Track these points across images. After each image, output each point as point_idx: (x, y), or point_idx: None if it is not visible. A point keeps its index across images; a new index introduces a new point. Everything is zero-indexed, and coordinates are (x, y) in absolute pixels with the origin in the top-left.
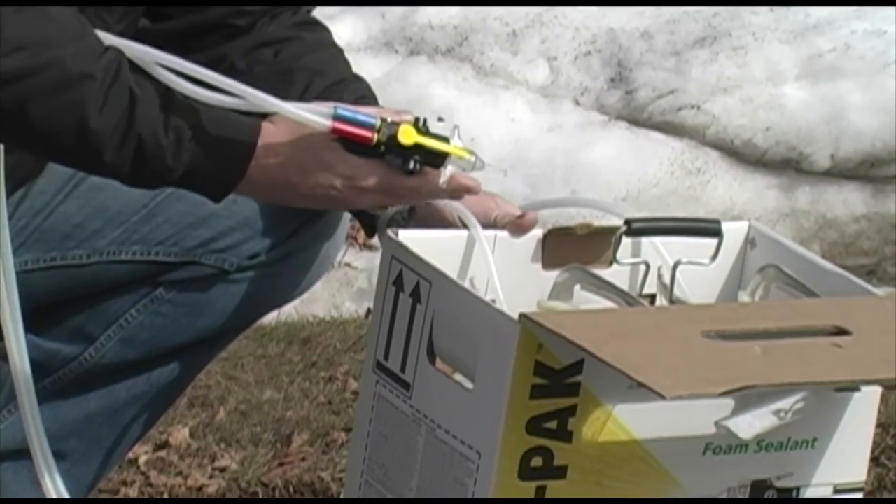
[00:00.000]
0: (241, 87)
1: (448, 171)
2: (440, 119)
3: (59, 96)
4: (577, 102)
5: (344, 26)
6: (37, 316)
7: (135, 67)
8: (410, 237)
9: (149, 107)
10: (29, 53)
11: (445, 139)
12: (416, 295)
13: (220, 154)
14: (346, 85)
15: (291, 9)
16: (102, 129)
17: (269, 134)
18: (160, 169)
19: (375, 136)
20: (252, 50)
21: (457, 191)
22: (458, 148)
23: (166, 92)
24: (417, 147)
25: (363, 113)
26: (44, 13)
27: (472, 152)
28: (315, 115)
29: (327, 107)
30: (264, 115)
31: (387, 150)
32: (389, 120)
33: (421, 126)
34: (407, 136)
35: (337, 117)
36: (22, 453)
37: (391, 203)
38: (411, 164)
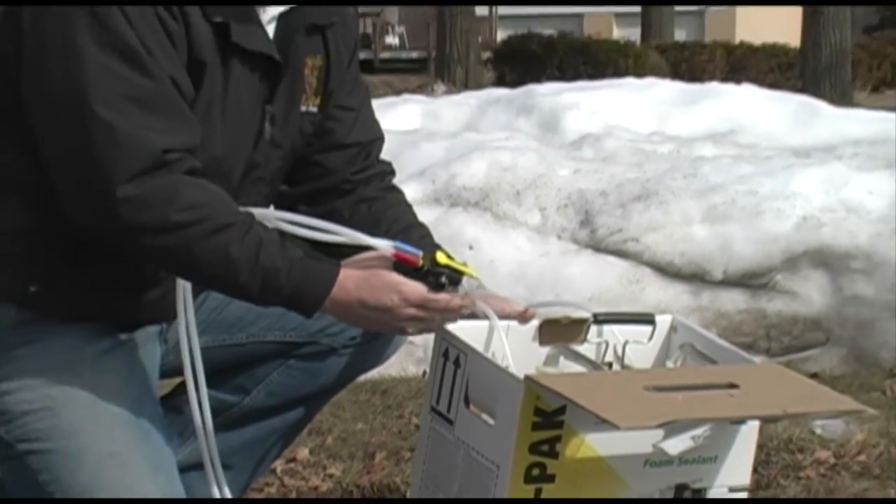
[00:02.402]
0: (335, 226)
1: (464, 286)
2: (470, 247)
3: (212, 239)
4: (559, 237)
5: (410, 189)
6: (213, 376)
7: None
8: (453, 325)
9: (271, 245)
10: (195, 210)
11: (464, 264)
12: (457, 362)
13: (316, 276)
14: (413, 228)
15: (380, 178)
16: (240, 258)
17: (346, 267)
18: (276, 286)
19: (421, 261)
20: (354, 205)
21: (461, 308)
22: (471, 270)
23: (281, 237)
24: (446, 266)
25: (412, 246)
26: (205, 187)
27: (477, 275)
28: (384, 243)
29: (392, 241)
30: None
31: (427, 270)
32: (426, 252)
33: (447, 254)
34: (442, 257)
35: (397, 247)
36: (202, 465)
37: (421, 319)
38: (442, 279)
